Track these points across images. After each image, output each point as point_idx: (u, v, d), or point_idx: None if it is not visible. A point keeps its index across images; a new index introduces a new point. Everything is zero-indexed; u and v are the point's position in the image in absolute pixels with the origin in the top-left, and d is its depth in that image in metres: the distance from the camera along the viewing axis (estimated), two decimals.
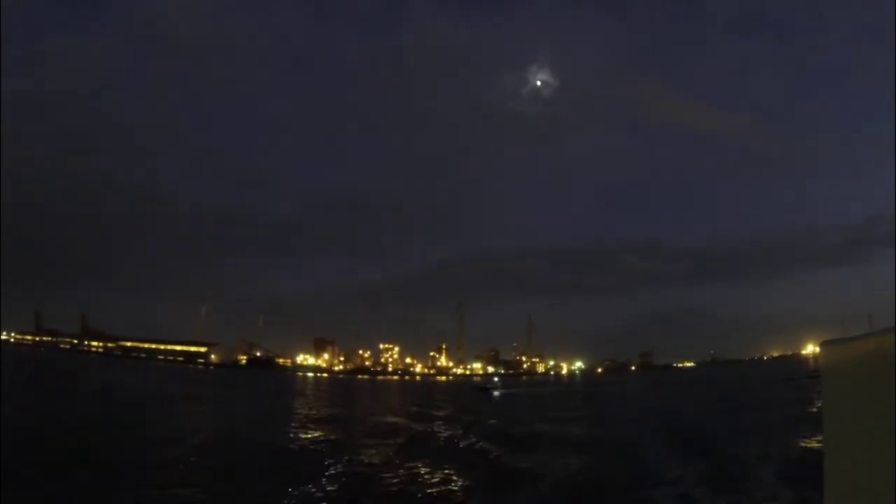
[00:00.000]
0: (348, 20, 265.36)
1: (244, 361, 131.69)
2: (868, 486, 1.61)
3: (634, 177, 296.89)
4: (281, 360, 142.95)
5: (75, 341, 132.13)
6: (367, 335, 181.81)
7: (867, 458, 1.62)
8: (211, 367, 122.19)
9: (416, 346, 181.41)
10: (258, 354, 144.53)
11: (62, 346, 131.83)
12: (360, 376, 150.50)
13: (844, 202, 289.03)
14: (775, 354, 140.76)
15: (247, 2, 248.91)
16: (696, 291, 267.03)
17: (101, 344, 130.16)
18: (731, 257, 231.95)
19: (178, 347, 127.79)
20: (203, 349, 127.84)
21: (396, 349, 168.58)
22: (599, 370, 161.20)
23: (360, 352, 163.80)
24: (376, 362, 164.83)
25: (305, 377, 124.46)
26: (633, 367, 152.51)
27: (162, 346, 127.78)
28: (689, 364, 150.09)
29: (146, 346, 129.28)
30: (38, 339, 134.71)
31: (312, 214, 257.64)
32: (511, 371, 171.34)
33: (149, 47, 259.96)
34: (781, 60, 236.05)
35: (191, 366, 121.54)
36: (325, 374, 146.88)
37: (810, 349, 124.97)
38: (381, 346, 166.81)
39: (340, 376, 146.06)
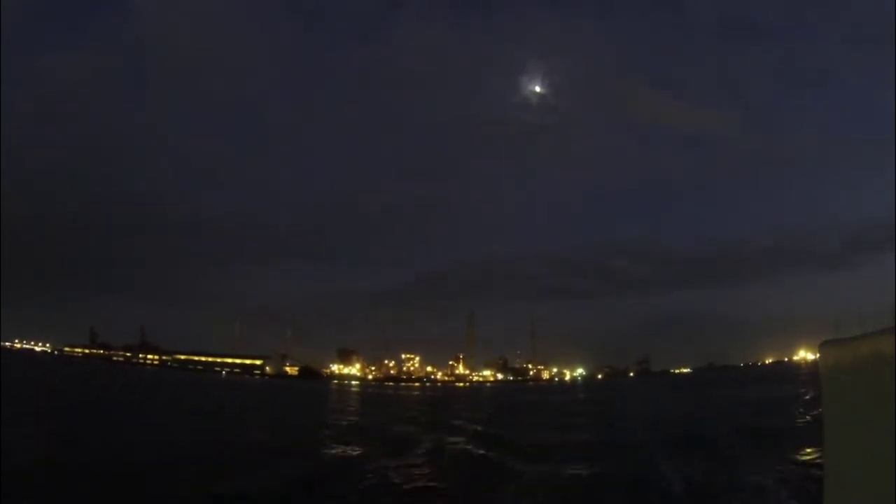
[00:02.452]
0: (342, 28, 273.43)
1: (295, 372, 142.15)
2: (868, 486, 1.63)
3: (629, 180, 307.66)
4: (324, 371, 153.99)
5: (128, 354, 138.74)
6: (376, 340, 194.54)
7: (867, 458, 1.64)
8: (266, 378, 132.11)
9: (419, 350, 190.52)
10: (288, 366, 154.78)
11: (115, 358, 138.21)
12: (386, 384, 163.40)
13: (840, 205, 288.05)
14: (769, 360, 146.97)
15: (241, 12, 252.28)
16: (691, 295, 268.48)
17: (156, 357, 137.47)
18: (726, 261, 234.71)
19: (237, 360, 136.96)
20: (259, 362, 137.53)
21: (417, 359, 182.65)
22: (600, 376, 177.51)
23: (386, 362, 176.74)
24: (400, 371, 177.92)
25: (342, 385, 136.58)
26: (631, 374, 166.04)
27: (219, 360, 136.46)
28: (685, 370, 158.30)
29: (200, 358, 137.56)
30: (88, 351, 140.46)
31: (309, 221, 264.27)
32: (519, 377, 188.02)
33: (148, 58, 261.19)
34: (771, 63, 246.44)
35: (248, 377, 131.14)
36: (356, 382, 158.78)
37: (802, 355, 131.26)
38: (403, 356, 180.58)
39: (373, 384, 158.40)
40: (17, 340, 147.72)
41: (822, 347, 1.92)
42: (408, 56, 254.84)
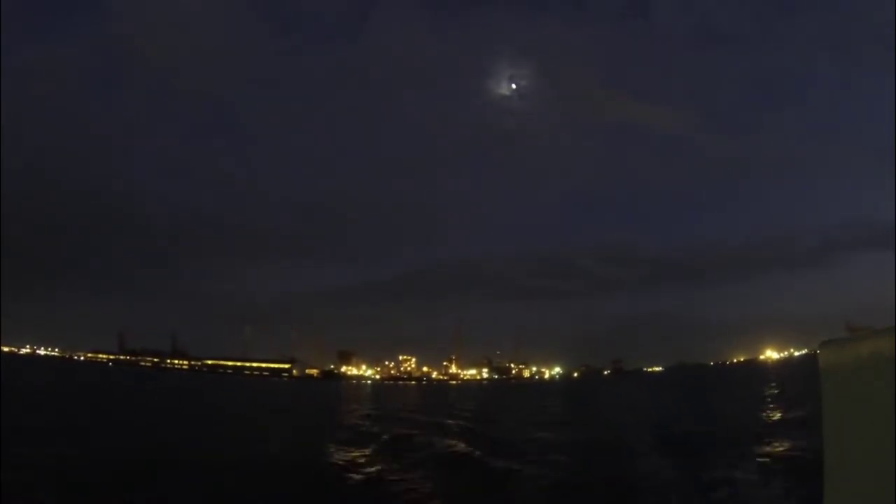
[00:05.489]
0: (318, 28, 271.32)
1: (314, 373, 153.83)
2: (868, 486, 1.63)
3: (605, 183, 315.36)
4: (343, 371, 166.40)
5: (156, 360, 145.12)
6: (366, 340, 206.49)
7: (867, 458, 1.64)
8: (293, 380, 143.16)
9: (411, 350, 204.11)
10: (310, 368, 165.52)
11: (142, 363, 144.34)
12: (388, 382, 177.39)
13: (810, 208, 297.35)
14: (741, 359, 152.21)
15: (219, 12, 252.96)
16: (665, 296, 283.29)
17: (185, 362, 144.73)
18: (699, 262, 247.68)
19: (264, 364, 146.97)
20: (287, 366, 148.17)
21: (414, 360, 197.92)
22: (576, 375, 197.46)
23: (387, 363, 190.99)
24: (400, 371, 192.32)
25: (359, 384, 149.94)
26: (606, 372, 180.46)
27: (248, 364, 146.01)
28: (657, 369, 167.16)
29: (229, 363, 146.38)
30: (115, 357, 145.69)
31: (289, 221, 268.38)
32: (503, 376, 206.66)
33: (123, 58, 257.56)
34: (741, 70, 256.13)
35: (276, 379, 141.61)
36: (368, 381, 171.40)
37: (767, 354, 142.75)
38: (401, 357, 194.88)
39: (381, 383, 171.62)
40: (28, 346, 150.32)
41: (821, 347, 1.94)
42: (386, 58, 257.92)
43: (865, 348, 1.69)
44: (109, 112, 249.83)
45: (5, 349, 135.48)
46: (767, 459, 14.27)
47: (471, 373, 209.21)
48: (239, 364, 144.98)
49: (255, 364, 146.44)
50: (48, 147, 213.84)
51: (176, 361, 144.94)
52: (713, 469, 13.23)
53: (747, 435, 18.05)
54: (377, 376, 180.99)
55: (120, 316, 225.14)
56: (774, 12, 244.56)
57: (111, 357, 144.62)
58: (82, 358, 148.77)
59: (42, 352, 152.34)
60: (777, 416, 25.20)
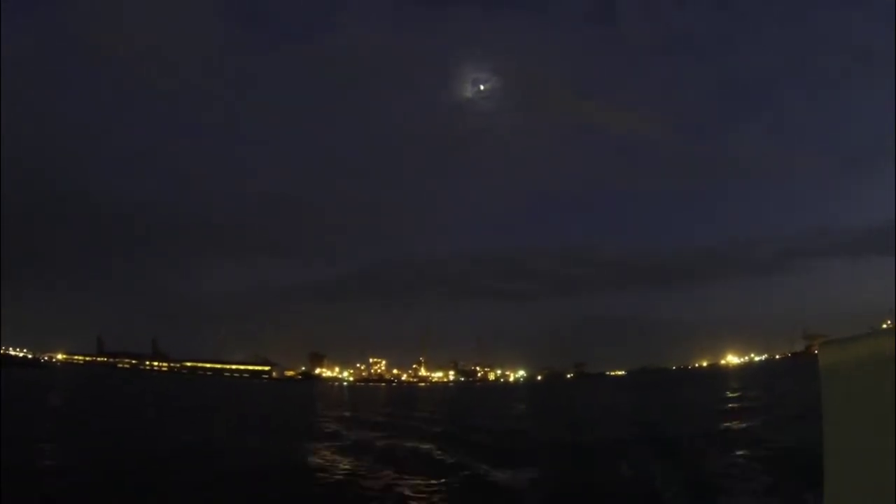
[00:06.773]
0: (284, 27, 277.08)
1: (292, 374, 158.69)
2: (868, 486, 1.63)
3: (568, 185, 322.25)
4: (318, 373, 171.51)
5: (134, 361, 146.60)
6: (322, 339, 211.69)
7: (867, 458, 1.64)
8: (272, 382, 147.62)
9: (376, 351, 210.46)
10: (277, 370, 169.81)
11: (120, 365, 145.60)
12: (359, 384, 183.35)
13: (776, 214, 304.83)
14: (704, 364, 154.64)
15: (181, 9, 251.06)
16: (628, 299, 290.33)
17: (166, 364, 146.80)
18: (662, 265, 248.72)
19: (242, 367, 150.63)
20: (266, 368, 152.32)
21: (384, 362, 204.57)
22: (539, 378, 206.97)
23: (359, 365, 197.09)
24: (370, 373, 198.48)
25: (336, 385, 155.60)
26: (569, 375, 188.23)
27: (227, 366, 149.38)
28: (620, 373, 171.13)
29: (207, 365, 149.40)
30: (91, 358, 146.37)
31: (246, 218, 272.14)
32: (469, 378, 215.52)
33: (82, 52, 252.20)
34: (707, 77, 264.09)
35: (256, 380, 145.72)
36: (346, 383, 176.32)
37: (728, 359, 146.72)
38: (371, 359, 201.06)
39: (356, 384, 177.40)
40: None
41: (821, 347, 1.94)
42: (350, 59, 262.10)
43: (865, 348, 1.71)
44: (88, 110, 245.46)
45: None
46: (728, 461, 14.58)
47: (438, 375, 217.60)
48: (219, 366, 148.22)
49: (234, 366, 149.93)
50: (23, 144, 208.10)
51: (155, 364, 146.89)
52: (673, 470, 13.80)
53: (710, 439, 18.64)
54: (351, 378, 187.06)
55: (96, 317, 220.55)
56: (739, 22, 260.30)
57: (87, 358, 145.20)
58: (55, 360, 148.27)
59: (13, 352, 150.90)
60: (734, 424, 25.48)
